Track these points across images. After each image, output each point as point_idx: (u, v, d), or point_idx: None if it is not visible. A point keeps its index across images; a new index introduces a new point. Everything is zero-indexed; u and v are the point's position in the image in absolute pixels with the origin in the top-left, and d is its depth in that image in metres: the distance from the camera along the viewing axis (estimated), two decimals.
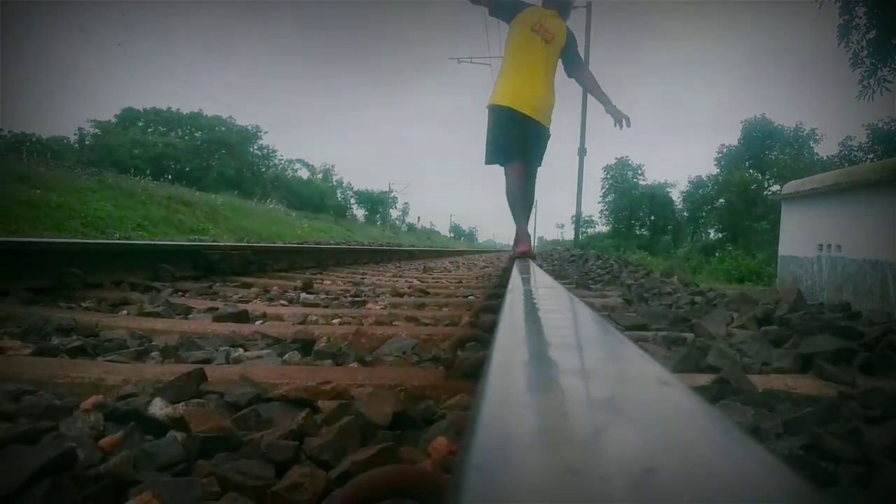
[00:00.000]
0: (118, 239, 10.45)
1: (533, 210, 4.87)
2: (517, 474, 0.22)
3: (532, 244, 5.31)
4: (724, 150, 40.91)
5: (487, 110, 4.61)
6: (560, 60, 4.75)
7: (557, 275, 6.36)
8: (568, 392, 0.40)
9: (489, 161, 4.59)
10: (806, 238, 8.94)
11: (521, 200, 4.57)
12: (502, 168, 4.60)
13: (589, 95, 5.17)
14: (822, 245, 8.40)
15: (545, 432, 0.29)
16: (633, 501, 0.21)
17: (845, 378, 1.56)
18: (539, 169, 4.90)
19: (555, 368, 0.48)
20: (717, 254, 22.64)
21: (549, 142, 4.79)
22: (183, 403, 1.18)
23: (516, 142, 4.38)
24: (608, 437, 0.29)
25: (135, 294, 3.05)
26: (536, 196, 5.14)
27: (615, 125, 4.83)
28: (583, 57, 5.10)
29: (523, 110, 4.38)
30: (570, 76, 4.91)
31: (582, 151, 21.41)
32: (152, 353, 1.73)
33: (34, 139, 37.41)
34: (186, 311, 2.57)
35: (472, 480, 0.21)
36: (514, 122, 4.36)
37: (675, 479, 0.24)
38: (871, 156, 30.95)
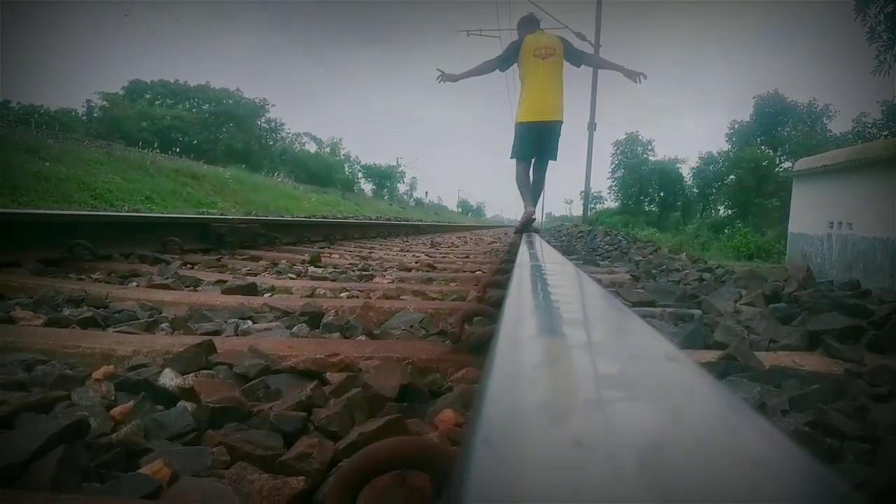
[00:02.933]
0: (127, 211, 10.48)
1: (558, 135, 6.00)
2: (524, 448, 0.22)
3: (540, 221, 6.82)
4: (736, 126, 40.43)
5: (515, 126, 6.00)
6: (567, 62, 5.92)
7: (565, 251, 6.34)
8: (574, 366, 0.40)
9: (513, 156, 6.05)
10: (817, 215, 8.87)
11: (527, 187, 5.99)
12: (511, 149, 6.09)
13: (599, 72, 7.47)
14: (832, 223, 8.33)
15: (552, 407, 0.29)
16: (638, 476, 0.21)
17: (853, 356, 1.56)
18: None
19: (562, 343, 0.48)
20: (726, 231, 22.53)
21: (561, 130, 5.95)
22: (193, 374, 1.19)
23: (529, 149, 5.94)
24: (614, 412, 0.29)
25: (144, 266, 3.07)
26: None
27: (636, 81, 5.98)
28: (589, 46, 6.91)
29: (540, 118, 5.77)
30: (579, 67, 6.11)
31: (591, 126, 21.21)
32: (162, 325, 1.75)
33: (42, 111, 37.42)
34: (195, 284, 2.58)
35: (480, 453, 0.21)
36: (530, 131, 5.82)
37: (681, 455, 0.24)
38: (886, 132, 30.52)
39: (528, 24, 6.13)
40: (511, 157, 6.03)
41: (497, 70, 6.09)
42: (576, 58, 5.98)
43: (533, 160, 6.01)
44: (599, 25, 20.73)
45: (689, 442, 0.25)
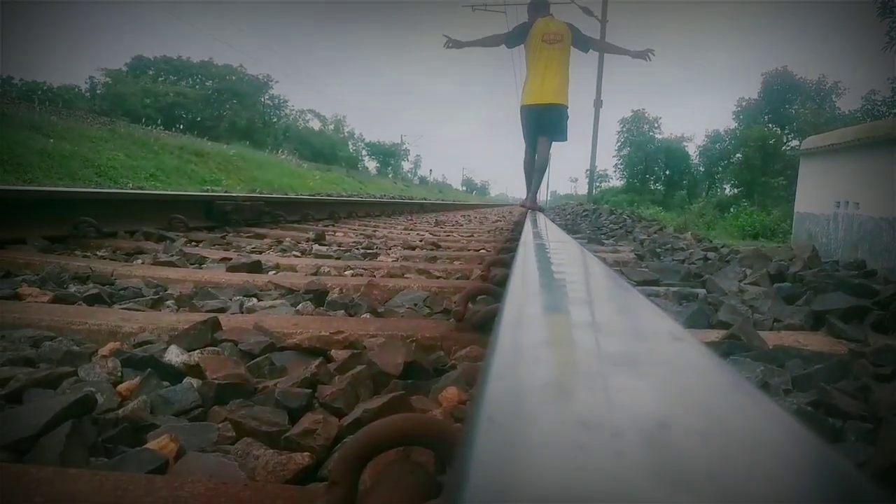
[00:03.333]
0: (131, 189, 10.49)
1: (565, 119, 6.17)
2: (529, 427, 0.22)
3: (545, 199, 8.22)
4: (744, 103, 40.03)
5: (520, 109, 6.22)
6: (575, 49, 6.09)
7: (570, 230, 6.33)
8: (578, 346, 0.40)
9: (527, 136, 6.28)
10: (823, 194, 8.81)
11: (531, 176, 6.31)
12: (517, 129, 6.36)
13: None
14: (839, 202, 8.29)
15: (556, 385, 0.29)
16: (643, 454, 0.22)
17: (857, 336, 1.56)
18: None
19: (566, 322, 0.48)
20: (731, 210, 22.42)
21: (568, 119, 6.12)
22: (198, 351, 1.20)
23: (532, 132, 6.12)
24: (618, 391, 0.29)
25: (149, 243, 3.07)
26: (550, 151, 6.42)
27: (646, 59, 6.18)
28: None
29: (543, 101, 5.91)
30: (587, 53, 6.28)
31: (598, 104, 21.03)
32: (167, 302, 1.75)
33: (45, 88, 37.27)
34: (200, 261, 2.59)
35: (484, 432, 0.21)
36: (534, 114, 6.02)
37: (686, 433, 0.24)
38: (895, 110, 30.18)
39: (540, 7, 6.17)
40: (523, 138, 6.32)
41: (503, 45, 6.22)
42: (584, 44, 6.13)
43: (540, 141, 6.14)
44: (606, 1, 20.48)
45: (694, 422, 0.25)
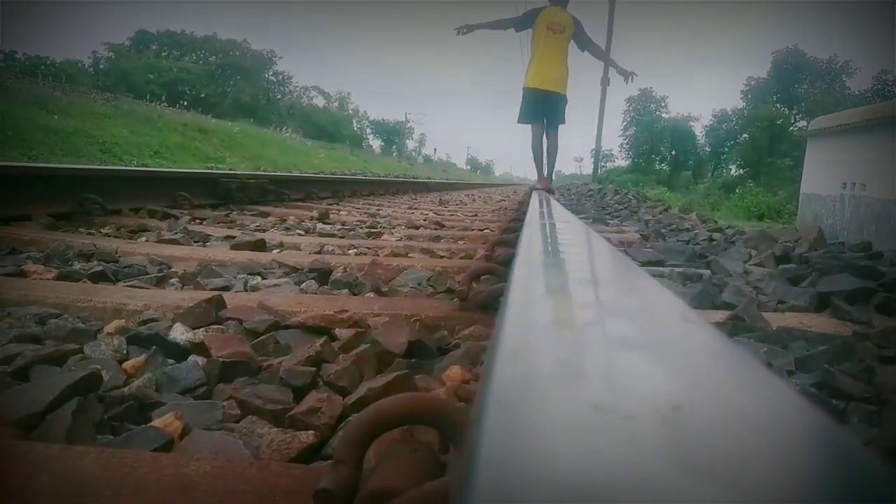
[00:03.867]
0: (136, 166, 10.48)
1: (563, 106, 6.55)
2: (538, 409, 0.22)
3: (552, 180, 7.16)
4: (752, 82, 39.62)
5: (522, 90, 6.54)
6: (574, 42, 6.44)
7: (575, 209, 6.31)
8: (586, 326, 0.39)
9: (520, 121, 6.57)
10: (830, 176, 8.75)
11: (540, 157, 6.60)
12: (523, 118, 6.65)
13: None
14: (845, 183, 8.23)
15: (565, 366, 0.28)
16: (655, 436, 0.21)
17: (861, 317, 1.56)
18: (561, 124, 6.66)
19: (574, 303, 0.47)
20: (737, 190, 22.30)
21: (566, 105, 6.53)
22: (203, 329, 1.21)
23: (537, 111, 6.42)
24: (626, 372, 0.29)
25: (153, 221, 3.08)
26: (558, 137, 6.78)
27: (626, 81, 6.76)
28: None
29: (545, 87, 6.30)
30: (582, 51, 6.59)
31: (605, 81, 20.81)
32: (172, 280, 1.76)
33: (48, 63, 37.06)
34: (204, 239, 2.59)
35: (493, 414, 0.21)
36: (536, 97, 6.35)
37: (699, 415, 0.23)
38: None
39: None
40: (518, 122, 6.61)
41: (512, 29, 6.62)
42: (582, 42, 6.52)
43: (546, 128, 6.54)
44: None
45: (705, 402, 0.24)
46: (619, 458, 0.19)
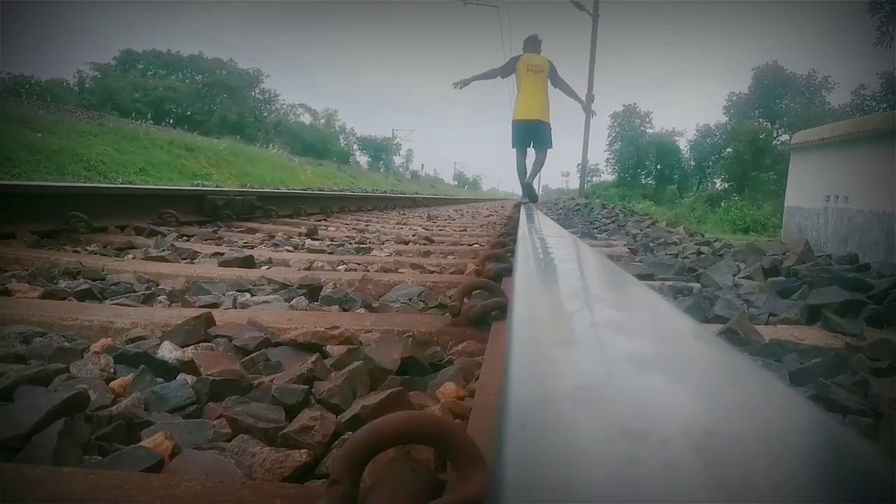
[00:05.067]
0: (121, 183, 10.40)
1: (548, 133, 7.74)
2: (561, 432, 0.21)
3: (538, 193, 8.42)
4: (734, 98, 40.17)
5: (512, 122, 7.78)
6: (549, 79, 7.69)
7: (563, 224, 6.33)
8: (591, 342, 0.39)
9: (514, 146, 7.77)
10: (813, 189, 8.86)
11: (524, 176, 7.72)
12: (510, 125, 7.88)
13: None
14: (829, 196, 8.33)
15: (579, 388, 0.27)
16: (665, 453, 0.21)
17: (853, 330, 1.56)
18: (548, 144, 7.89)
19: (578, 319, 0.47)
20: (722, 204, 22.48)
21: (551, 130, 7.73)
22: (192, 347, 1.19)
23: (524, 138, 7.69)
24: (644, 391, 0.28)
25: (140, 238, 3.04)
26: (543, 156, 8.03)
27: (588, 115, 9.20)
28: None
29: (530, 117, 7.54)
30: (555, 87, 7.78)
31: (589, 98, 21.03)
32: (159, 297, 1.73)
33: (32, 82, 36.83)
34: (192, 256, 2.57)
35: (517, 439, 0.20)
36: (523, 127, 7.62)
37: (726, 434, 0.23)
38: (885, 105, 30.39)
39: (532, 43, 7.82)
40: (512, 147, 7.83)
41: (499, 77, 7.91)
42: (555, 80, 7.77)
43: (532, 149, 7.77)
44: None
45: (715, 419, 0.24)
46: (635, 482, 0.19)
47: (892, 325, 1.65)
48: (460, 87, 7.79)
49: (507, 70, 7.80)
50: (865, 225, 7.27)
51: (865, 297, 1.83)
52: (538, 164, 7.85)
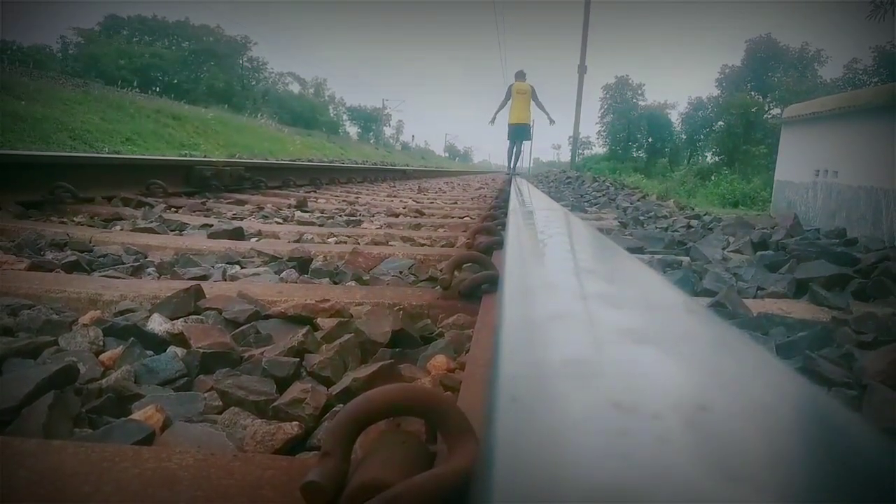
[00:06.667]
0: (108, 153, 10.26)
1: (530, 131, 14.00)
2: (553, 404, 0.21)
3: (527, 167, 12.58)
4: (727, 70, 39.98)
5: (507, 125, 12.97)
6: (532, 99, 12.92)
7: (554, 197, 6.33)
8: (581, 317, 0.39)
9: (508, 138, 13.11)
10: (803, 163, 8.89)
11: (510, 159, 13.37)
12: (500, 97, 13.50)
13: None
14: (818, 171, 8.36)
15: (570, 360, 0.27)
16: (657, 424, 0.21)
17: (839, 303, 1.58)
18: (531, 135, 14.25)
19: (565, 290, 0.47)
20: (713, 177, 22.52)
21: (531, 128, 13.77)
22: (182, 319, 1.18)
23: (516, 135, 12.96)
24: (637, 363, 0.28)
25: (127, 209, 3.01)
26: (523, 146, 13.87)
27: (549, 123, 14.01)
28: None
29: (518, 122, 12.67)
30: (533, 102, 12.67)
31: (582, 69, 20.91)
32: (148, 269, 1.72)
33: (14, 47, 36.04)
34: (180, 228, 2.55)
35: (508, 412, 0.20)
36: (514, 127, 12.76)
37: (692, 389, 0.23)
38: (876, 79, 30.37)
39: (520, 75, 12.67)
40: (507, 139, 12.94)
41: (504, 98, 12.90)
42: (534, 98, 12.61)
43: (517, 142, 12.96)
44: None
45: (705, 392, 0.24)
46: (629, 453, 0.19)
47: (877, 299, 1.67)
48: (492, 122, 13.23)
49: (508, 95, 12.64)
50: (853, 199, 7.32)
51: (852, 271, 1.85)
52: (518, 153, 13.21)
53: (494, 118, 12.78)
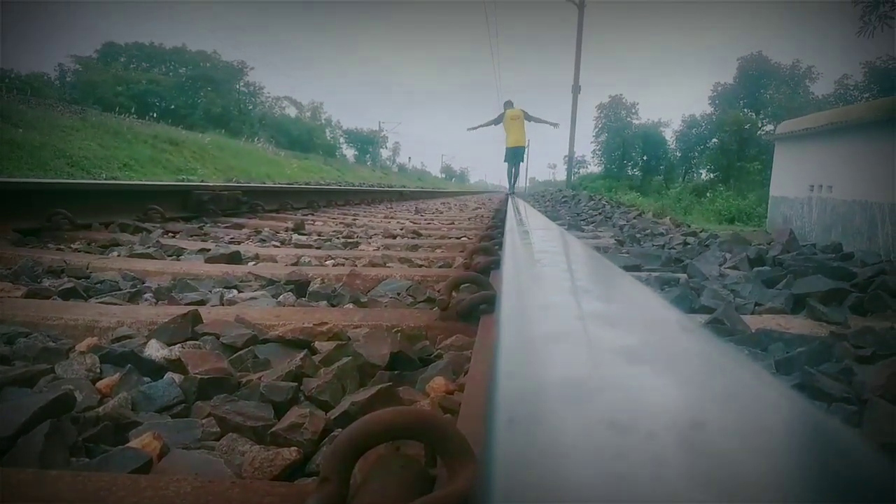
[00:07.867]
0: (105, 179, 10.28)
1: (525, 153, 14.63)
2: (550, 427, 0.21)
3: (524, 186, 13.00)
4: (720, 88, 40.38)
5: (505, 148, 14.25)
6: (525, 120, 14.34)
7: (550, 216, 6.35)
8: (579, 337, 0.39)
9: (504, 161, 14.36)
10: (798, 178, 8.93)
11: (509, 179, 14.61)
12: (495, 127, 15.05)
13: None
14: (812, 186, 8.40)
15: (568, 381, 0.27)
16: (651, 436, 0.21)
17: (837, 318, 1.58)
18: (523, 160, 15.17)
19: (563, 309, 0.47)
20: (708, 194, 22.61)
21: (525, 150, 14.68)
22: (179, 345, 1.18)
23: (513, 157, 14.14)
24: (634, 383, 0.28)
25: (125, 235, 3.02)
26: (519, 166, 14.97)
27: (554, 126, 15.74)
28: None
29: (515, 145, 13.90)
30: (528, 121, 14.04)
31: (575, 90, 21.10)
32: (145, 295, 1.72)
33: (12, 76, 36.28)
34: (178, 253, 2.55)
35: (505, 434, 0.20)
36: (511, 150, 13.99)
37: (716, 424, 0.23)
38: (867, 95, 30.68)
39: (509, 104, 13.70)
40: (503, 161, 14.00)
41: (494, 123, 14.03)
42: (528, 118, 13.74)
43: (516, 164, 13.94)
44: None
45: (702, 411, 0.24)
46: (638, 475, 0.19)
47: (875, 313, 1.67)
48: (472, 130, 14.49)
49: (499, 120, 13.80)
50: (848, 214, 7.35)
51: (849, 285, 1.85)
52: (516, 174, 14.16)
53: (476, 128, 14.29)
